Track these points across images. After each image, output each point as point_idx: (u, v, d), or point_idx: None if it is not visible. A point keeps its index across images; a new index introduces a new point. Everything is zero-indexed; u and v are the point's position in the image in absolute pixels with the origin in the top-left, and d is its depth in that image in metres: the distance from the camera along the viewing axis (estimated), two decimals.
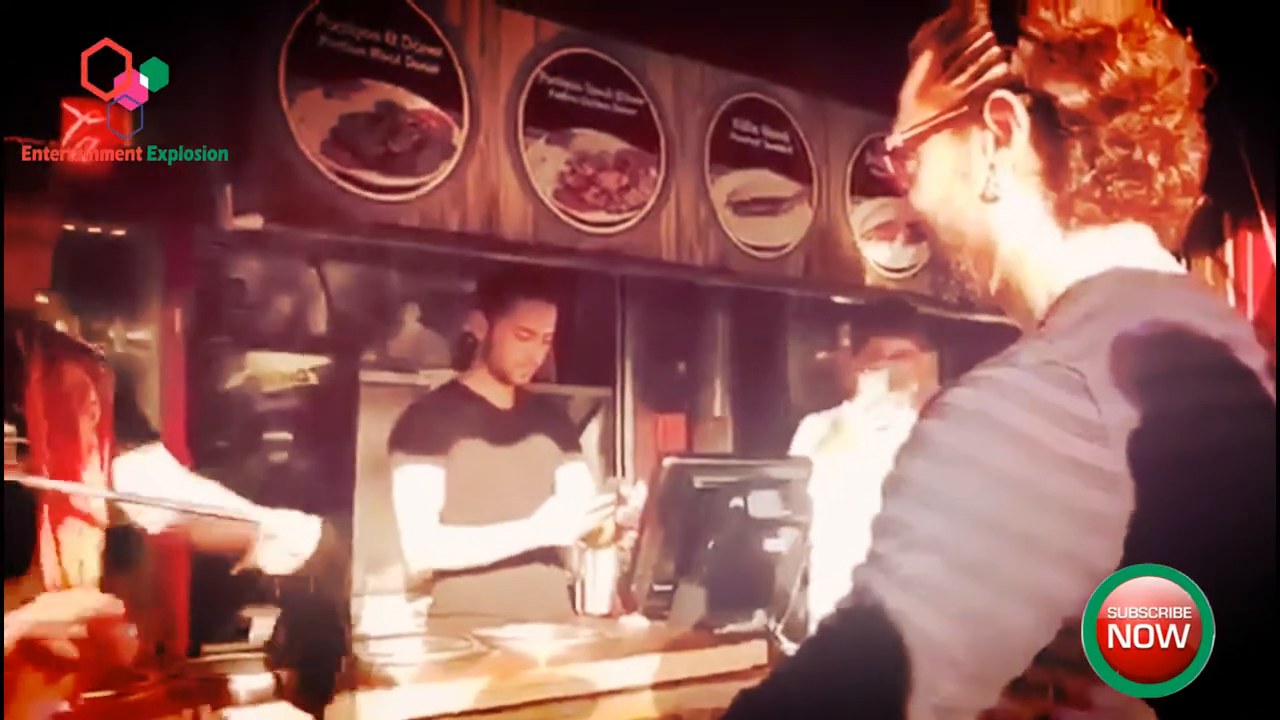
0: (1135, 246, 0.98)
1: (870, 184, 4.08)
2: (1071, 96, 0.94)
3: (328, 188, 2.78)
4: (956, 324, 4.69)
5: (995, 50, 0.98)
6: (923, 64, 1.05)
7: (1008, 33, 0.97)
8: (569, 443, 3.35)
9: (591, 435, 4.54)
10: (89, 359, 2.06)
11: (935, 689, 0.82)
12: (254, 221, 2.73)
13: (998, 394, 0.85)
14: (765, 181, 3.76)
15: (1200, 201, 0.99)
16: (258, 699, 1.81)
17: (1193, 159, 0.97)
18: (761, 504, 2.53)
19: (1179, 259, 1.03)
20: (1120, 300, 0.93)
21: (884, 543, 0.86)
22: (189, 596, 2.92)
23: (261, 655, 2.09)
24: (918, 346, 3.07)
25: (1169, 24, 0.98)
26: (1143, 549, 0.82)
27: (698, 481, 2.49)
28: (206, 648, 2.36)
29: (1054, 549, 0.82)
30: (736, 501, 2.52)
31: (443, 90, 3.00)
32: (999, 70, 0.98)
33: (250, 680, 1.89)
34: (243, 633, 2.89)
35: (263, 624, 2.95)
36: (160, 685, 1.87)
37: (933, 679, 0.81)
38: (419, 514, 2.96)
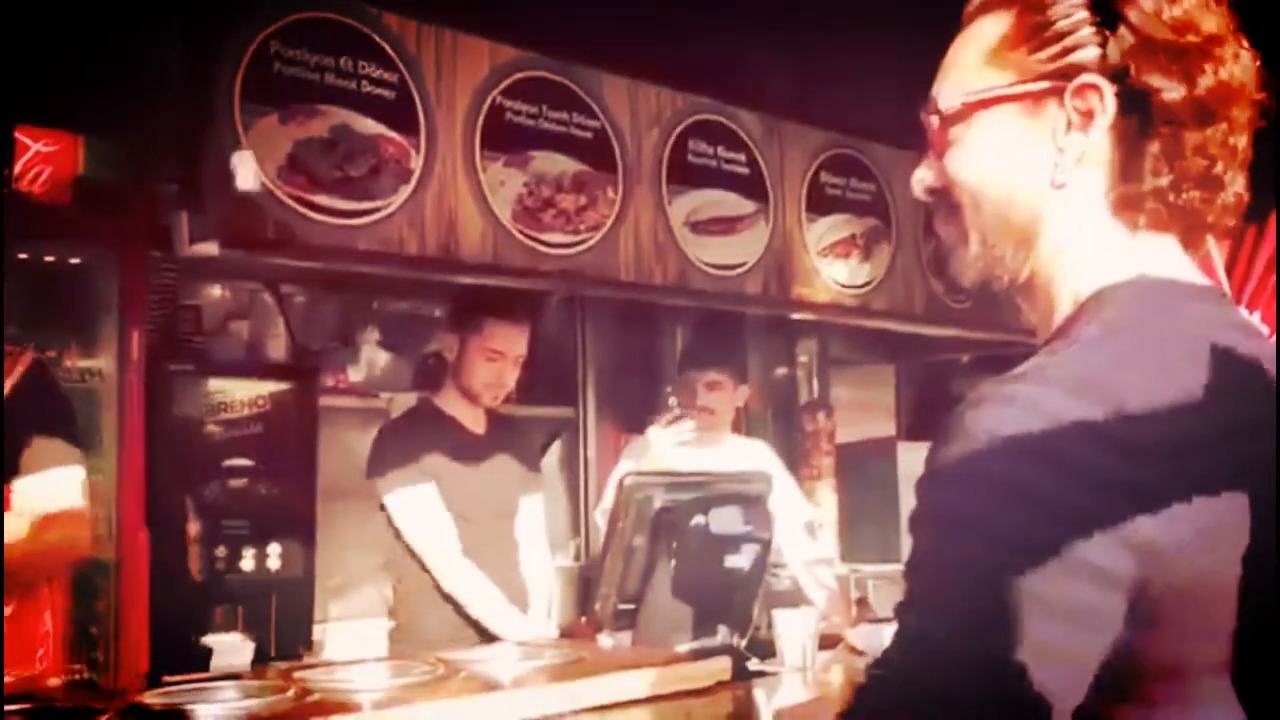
0: (1162, 255, 0.95)
1: (826, 202, 4.12)
2: (1171, 94, 0.90)
3: (284, 213, 2.78)
4: (911, 337, 4.75)
5: (1089, 30, 0.93)
6: (995, 25, 0.98)
7: (1109, 17, 0.92)
8: (534, 466, 3.39)
9: (553, 456, 4.55)
10: None
11: None
12: (210, 248, 2.72)
13: (1029, 412, 0.81)
14: (722, 201, 3.79)
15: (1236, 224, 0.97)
16: None
17: (1240, 182, 0.95)
18: (722, 520, 2.55)
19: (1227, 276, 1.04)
20: (1150, 311, 0.91)
21: (925, 580, 0.83)
22: (149, 625, 2.89)
23: (222, 684, 2.09)
24: (730, 378, 3.58)
25: (1246, 45, 0.95)
26: (1182, 564, 0.81)
27: (659, 499, 2.51)
28: (166, 677, 2.34)
29: (1099, 570, 0.79)
30: (698, 519, 2.54)
31: (399, 114, 3.00)
32: (1091, 53, 0.92)
33: (211, 710, 1.88)
34: (204, 662, 2.87)
35: (223, 652, 2.93)
36: (121, 717, 1.85)
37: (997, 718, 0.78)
38: (439, 539, 2.99)
